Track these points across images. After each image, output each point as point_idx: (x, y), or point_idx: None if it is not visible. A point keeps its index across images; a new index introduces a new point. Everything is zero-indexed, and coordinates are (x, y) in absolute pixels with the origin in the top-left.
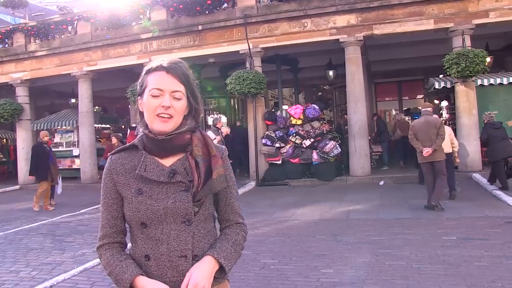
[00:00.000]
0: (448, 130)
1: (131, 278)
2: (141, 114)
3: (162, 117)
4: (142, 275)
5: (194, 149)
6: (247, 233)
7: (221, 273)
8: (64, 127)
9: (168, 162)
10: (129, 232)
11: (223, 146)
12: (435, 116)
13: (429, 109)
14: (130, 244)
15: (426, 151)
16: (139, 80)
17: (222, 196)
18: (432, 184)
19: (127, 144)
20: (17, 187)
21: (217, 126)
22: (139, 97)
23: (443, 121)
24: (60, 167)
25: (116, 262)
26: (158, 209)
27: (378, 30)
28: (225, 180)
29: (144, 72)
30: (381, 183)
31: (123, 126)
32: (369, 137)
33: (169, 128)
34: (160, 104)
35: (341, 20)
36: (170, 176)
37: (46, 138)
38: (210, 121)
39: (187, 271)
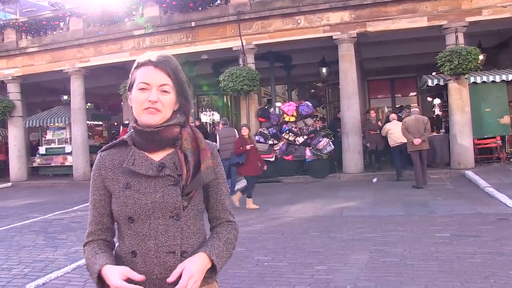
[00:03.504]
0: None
1: (99, 268)
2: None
3: (149, 110)
4: (109, 264)
5: (183, 143)
6: (238, 232)
7: (211, 273)
8: (56, 124)
9: (157, 157)
10: (117, 229)
11: (214, 143)
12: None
13: (417, 109)
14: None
15: (417, 141)
16: (130, 75)
17: (212, 193)
18: (420, 168)
19: (116, 140)
20: (9, 184)
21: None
22: (128, 92)
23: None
24: (52, 164)
25: (91, 256)
26: (146, 203)
27: (372, 27)
28: (214, 172)
29: (133, 66)
30: (374, 180)
31: (115, 123)
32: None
33: (156, 121)
34: (147, 98)
35: (335, 17)
36: (158, 170)
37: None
38: (203, 118)
39: (175, 268)
